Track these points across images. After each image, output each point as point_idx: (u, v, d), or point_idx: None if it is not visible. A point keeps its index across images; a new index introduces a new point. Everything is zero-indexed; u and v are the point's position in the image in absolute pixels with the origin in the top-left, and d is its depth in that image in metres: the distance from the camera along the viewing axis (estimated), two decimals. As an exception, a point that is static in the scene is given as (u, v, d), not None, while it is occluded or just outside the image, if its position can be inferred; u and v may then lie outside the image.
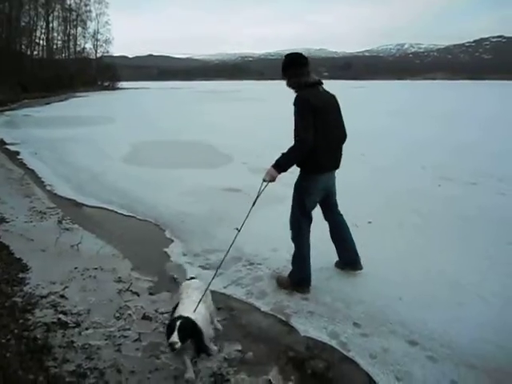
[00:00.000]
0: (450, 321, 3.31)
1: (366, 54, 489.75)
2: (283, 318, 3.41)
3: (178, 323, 2.50)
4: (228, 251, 3.44)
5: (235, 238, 3.46)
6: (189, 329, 2.51)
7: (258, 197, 3.54)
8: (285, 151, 3.49)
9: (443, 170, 8.57)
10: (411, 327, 3.24)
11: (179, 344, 2.43)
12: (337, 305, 3.57)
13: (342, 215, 4.05)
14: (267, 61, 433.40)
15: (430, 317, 3.35)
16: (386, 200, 6.52)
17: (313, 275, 3.92)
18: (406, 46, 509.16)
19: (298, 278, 3.83)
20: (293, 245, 3.84)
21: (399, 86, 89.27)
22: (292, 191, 3.80)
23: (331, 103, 3.70)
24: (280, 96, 16.43)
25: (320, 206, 3.95)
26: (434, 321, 3.30)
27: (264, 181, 3.56)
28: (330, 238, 4.05)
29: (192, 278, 3.27)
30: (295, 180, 3.77)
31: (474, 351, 2.97)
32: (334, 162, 3.75)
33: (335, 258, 4.24)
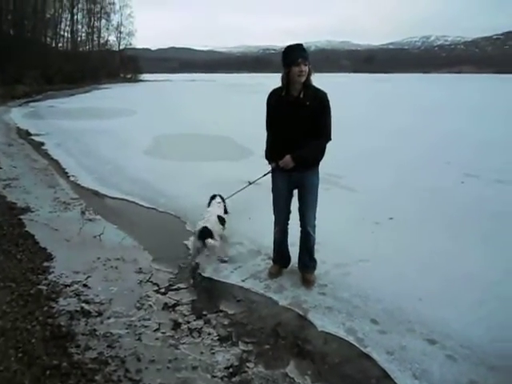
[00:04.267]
0: (470, 321, 3.27)
1: (391, 46, 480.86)
2: (301, 313, 3.44)
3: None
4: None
5: (243, 188, 4.38)
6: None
7: (262, 177, 3.97)
8: (311, 147, 3.47)
9: (468, 166, 8.40)
10: (430, 326, 3.22)
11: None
12: (355, 301, 3.57)
13: None
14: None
15: (451, 316, 3.32)
16: (407, 196, 6.44)
17: (330, 271, 3.99)
18: (431, 39, 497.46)
19: None
20: (312, 243, 3.84)
21: (423, 79, 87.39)
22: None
23: None
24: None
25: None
26: (454, 320, 3.27)
27: (276, 167, 3.58)
28: (342, 234, 4.07)
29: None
30: (305, 181, 3.66)
31: (494, 351, 2.93)
32: None
33: (351, 254, 4.28)
